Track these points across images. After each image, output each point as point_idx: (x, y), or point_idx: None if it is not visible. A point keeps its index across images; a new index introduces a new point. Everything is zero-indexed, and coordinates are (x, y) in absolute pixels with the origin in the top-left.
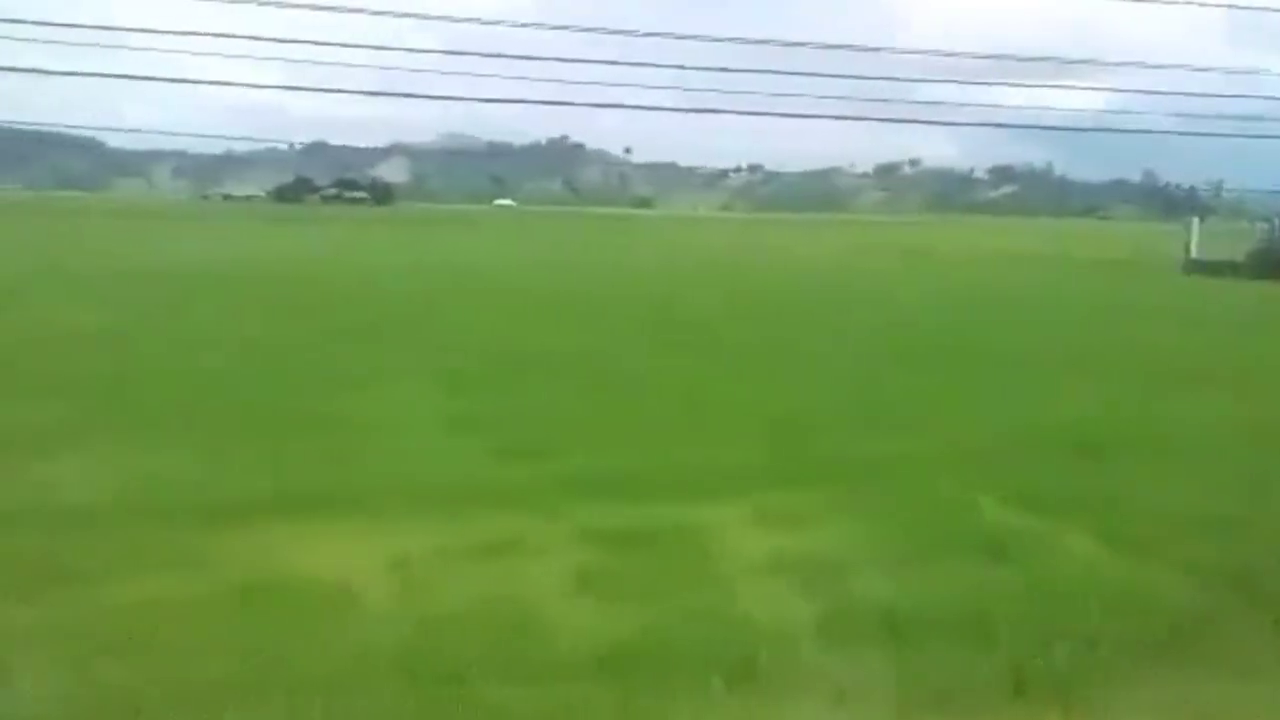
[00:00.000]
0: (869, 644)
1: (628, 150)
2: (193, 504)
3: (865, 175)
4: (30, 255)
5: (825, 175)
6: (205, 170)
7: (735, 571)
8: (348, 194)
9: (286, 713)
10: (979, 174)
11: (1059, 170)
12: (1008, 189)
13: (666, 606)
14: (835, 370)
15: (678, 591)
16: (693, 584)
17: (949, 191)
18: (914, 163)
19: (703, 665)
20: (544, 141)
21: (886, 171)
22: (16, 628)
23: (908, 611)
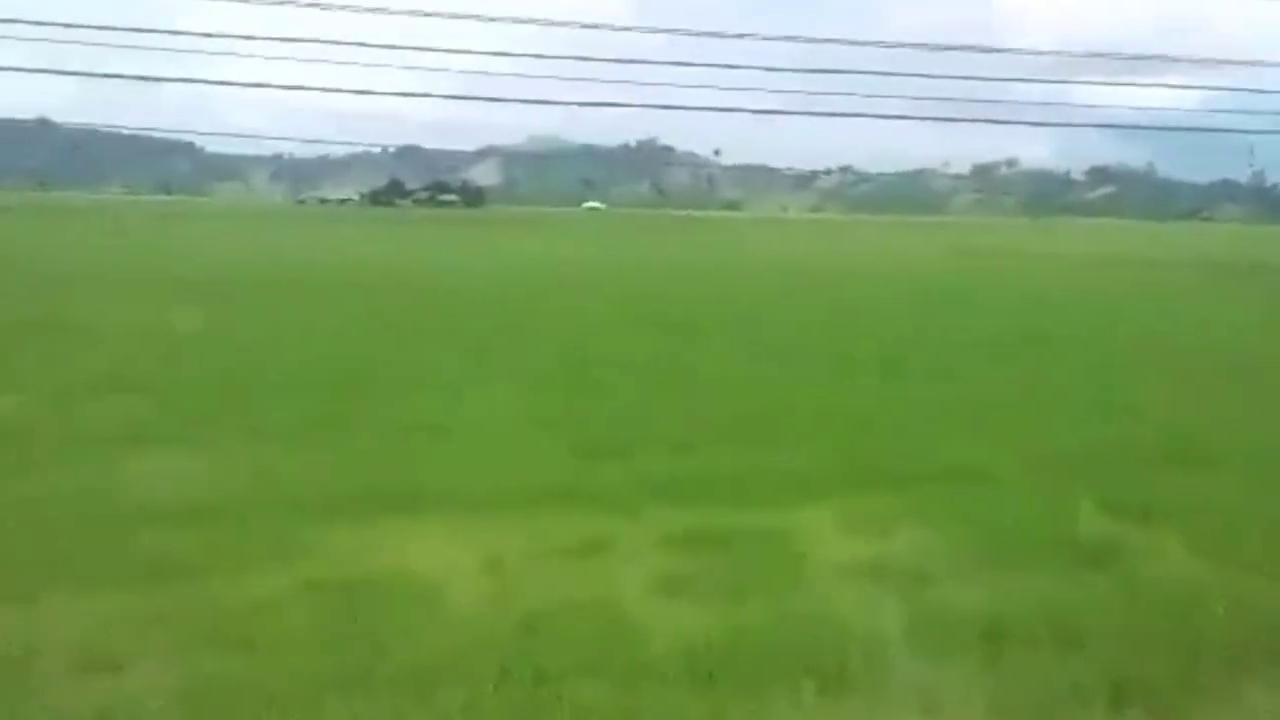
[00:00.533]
0: (960, 651)
1: (717, 152)
2: (294, 501)
3: (960, 176)
4: (132, 257)
5: (918, 176)
6: (301, 174)
7: (823, 576)
8: (439, 197)
9: (388, 707)
10: (1076, 175)
11: (1161, 171)
12: (1106, 190)
13: (755, 609)
14: (924, 374)
15: (766, 595)
16: (781, 587)
17: (1046, 193)
18: (1010, 163)
19: (794, 669)
20: (633, 144)
21: (982, 172)
22: (132, 618)
23: (999, 619)
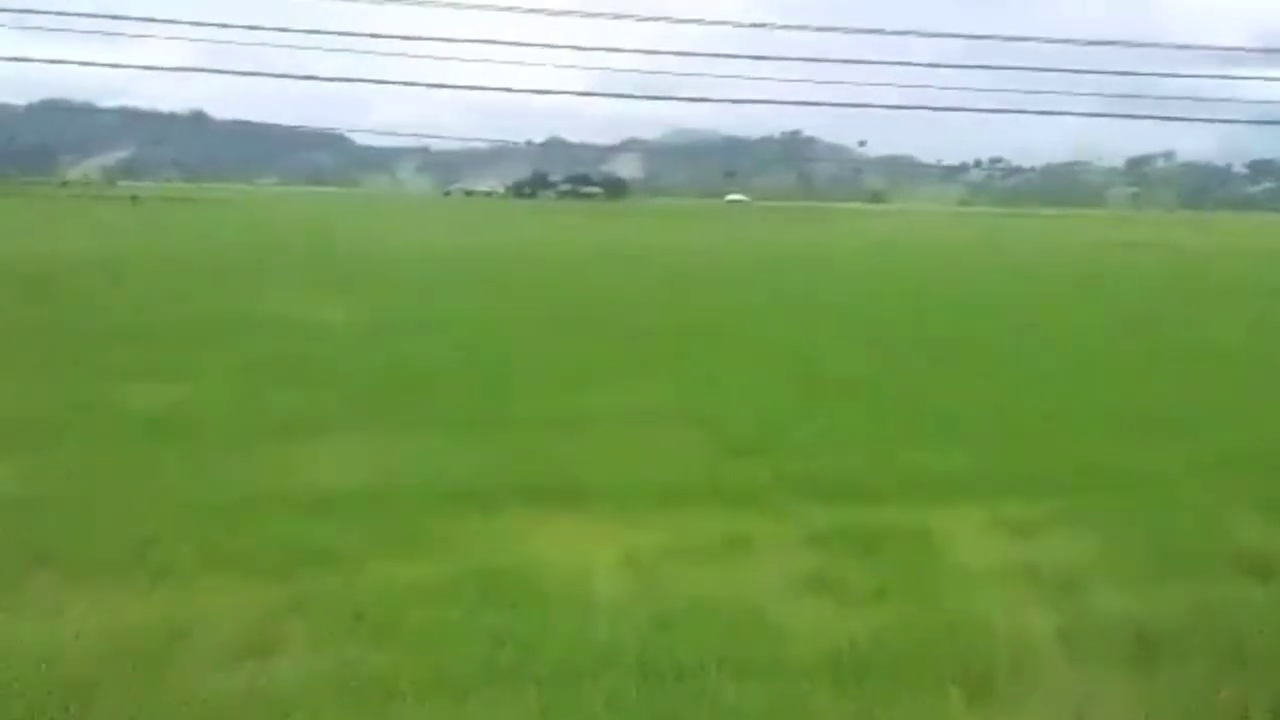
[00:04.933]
0: (1113, 661)
1: (862, 143)
2: (434, 491)
3: (1114, 169)
4: (282, 249)
5: (1071, 169)
6: (447, 166)
7: (973, 579)
8: (581, 189)
9: (533, 702)
10: (1238, 169)
11: None
12: (1268, 184)
13: (901, 611)
14: (1082, 374)
15: (912, 597)
16: (928, 590)
17: (1205, 187)
18: (1168, 156)
19: (940, 675)
20: (777, 135)
21: (1137, 165)
22: (281, 605)
23: (1156, 628)
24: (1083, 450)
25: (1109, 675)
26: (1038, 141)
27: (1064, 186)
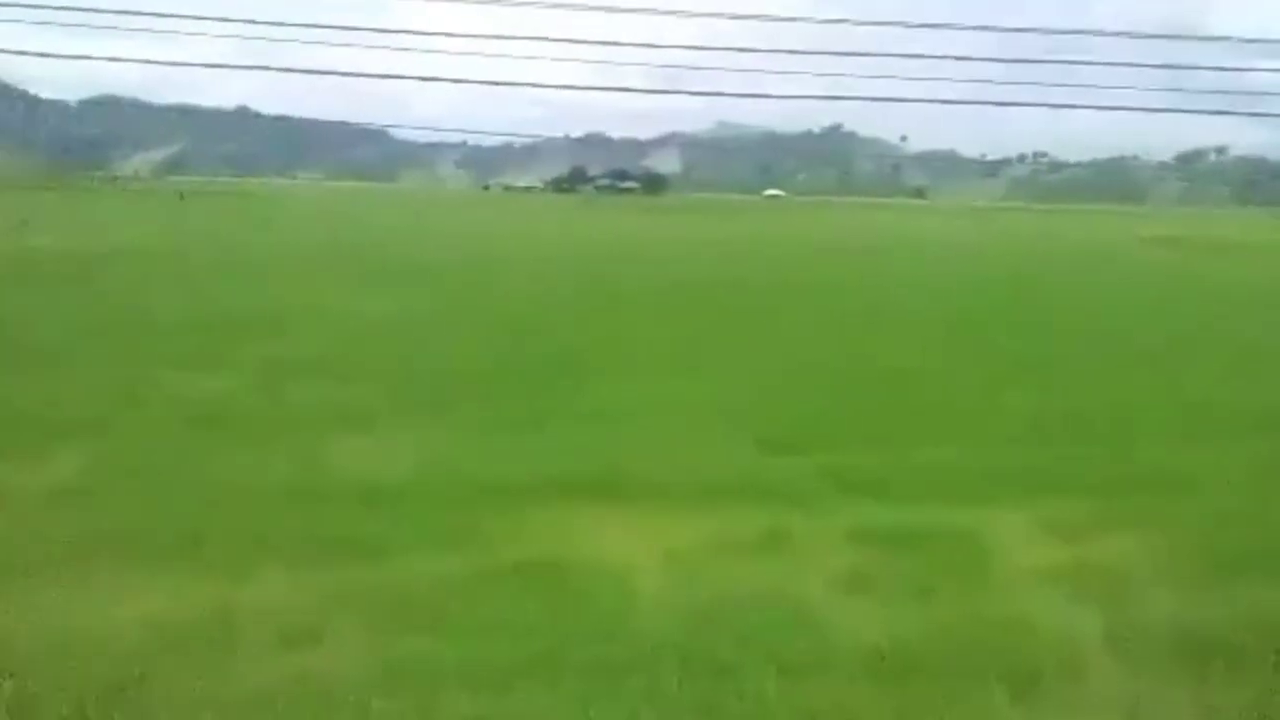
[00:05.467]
0: (1162, 662)
1: (903, 138)
2: (475, 484)
3: (1164, 164)
4: (329, 244)
5: (1118, 164)
6: (486, 160)
7: (1017, 579)
8: (620, 184)
9: (575, 694)
10: None
11: None
12: None
13: (943, 610)
14: (1123, 374)
15: (955, 595)
16: (971, 589)
17: (1258, 181)
18: (1220, 150)
19: (985, 674)
20: (816, 130)
21: (1188, 160)
22: (328, 595)
23: (1204, 631)
24: (1130, 451)
25: (1157, 676)
26: (1084, 136)
27: (1111, 182)
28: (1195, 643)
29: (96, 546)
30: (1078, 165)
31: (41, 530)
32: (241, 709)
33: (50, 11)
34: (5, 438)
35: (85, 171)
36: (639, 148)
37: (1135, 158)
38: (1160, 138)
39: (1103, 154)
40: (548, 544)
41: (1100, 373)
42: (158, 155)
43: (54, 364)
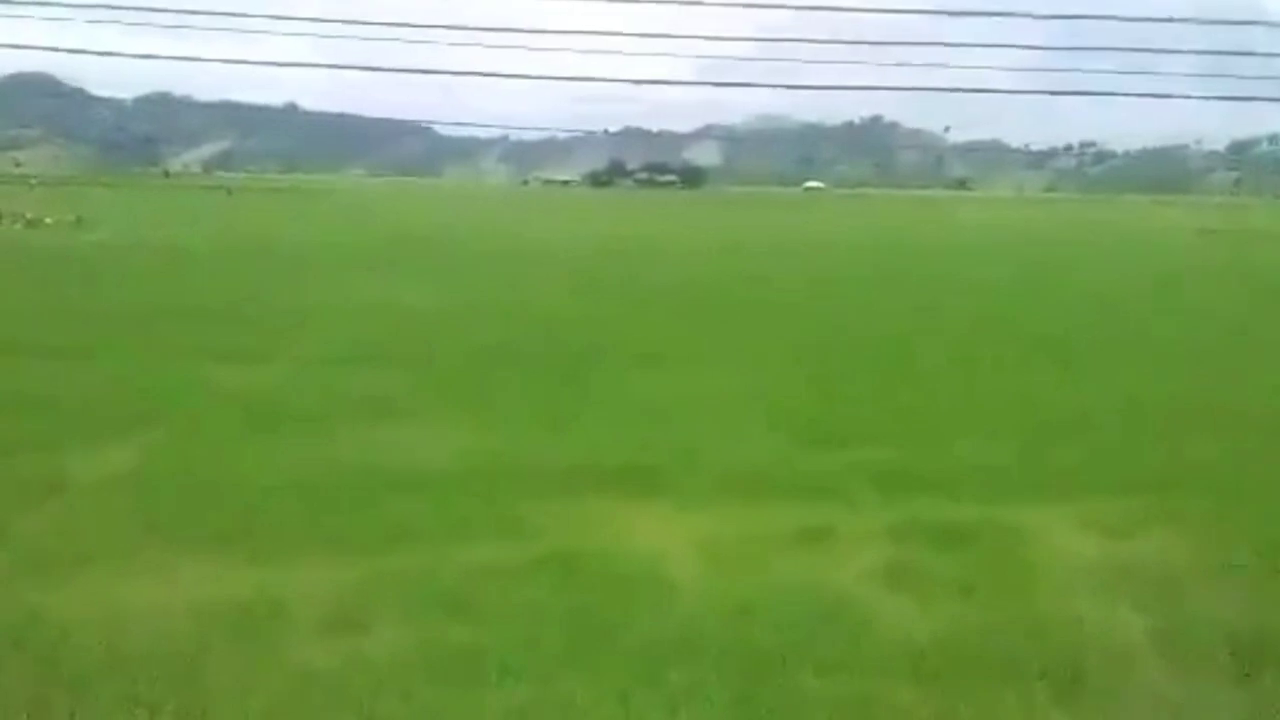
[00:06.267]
0: (1206, 664)
1: (946, 129)
2: (515, 474)
3: (1214, 153)
4: (370, 239)
5: (1167, 153)
6: (527, 154)
7: (1060, 577)
8: (658, 177)
9: (616, 686)
10: None
11: None
12: None
13: (984, 607)
14: (1172, 370)
15: (996, 593)
16: (1013, 587)
17: None
18: (1273, 139)
19: (1025, 673)
20: (857, 121)
21: (1240, 149)
22: (372, 583)
23: (1251, 631)
24: (1178, 448)
25: (1202, 678)
26: (1133, 124)
27: (1159, 171)
28: (1242, 644)
29: (149, 534)
30: (1126, 155)
31: (96, 519)
32: (288, 693)
33: (103, 10)
34: (61, 429)
35: (137, 167)
36: (680, 140)
37: (1185, 146)
38: (1211, 126)
39: (1152, 143)
40: (586, 535)
41: (1145, 368)
42: (207, 151)
43: (108, 357)
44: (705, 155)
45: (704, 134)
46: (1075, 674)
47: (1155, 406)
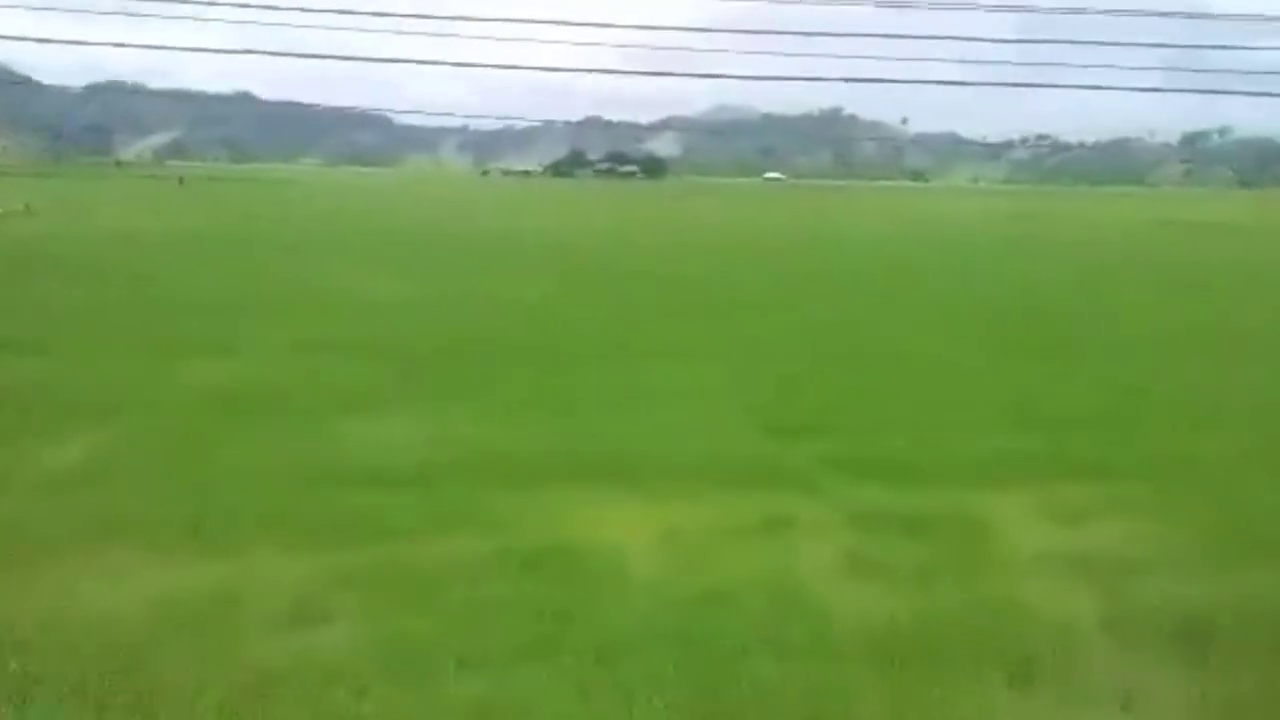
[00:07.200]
0: (1161, 649)
1: (904, 121)
2: (482, 467)
3: (1167, 145)
4: (337, 227)
5: (1120, 146)
6: (487, 145)
7: (1017, 564)
8: (619, 168)
9: (574, 676)
10: None
11: None
12: None
13: (943, 594)
14: (1127, 360)
15: (955, 580)
16: (971, 574)
17: (1263, 162)
18: (1223, 132)
19: (981, 658)
20: (816, 113)
21: (1191, 141)
22: (331, 577)
23: (1206, 617)
24: (1133, 437)
25: (1155, 662)
26: (1087, 117)
27: (1113, 164)
28: (1195, 629)
29: (106, 528)
30: (1080, 147)
31: (51, 512)
32: (243, 688)
33: None
34: (15, 421)
35: (87, 157)
36: (640, 131)
37: (1139, 139)
38: (1163, 119)
39: (1105, 135)
40: (551, 527)
41: (1102, 358)
42: (159, 140)
43: (62, 349)
44: (666, 146)
45: (664, 125)
46: (1030, 659)
47: (1116, 395)
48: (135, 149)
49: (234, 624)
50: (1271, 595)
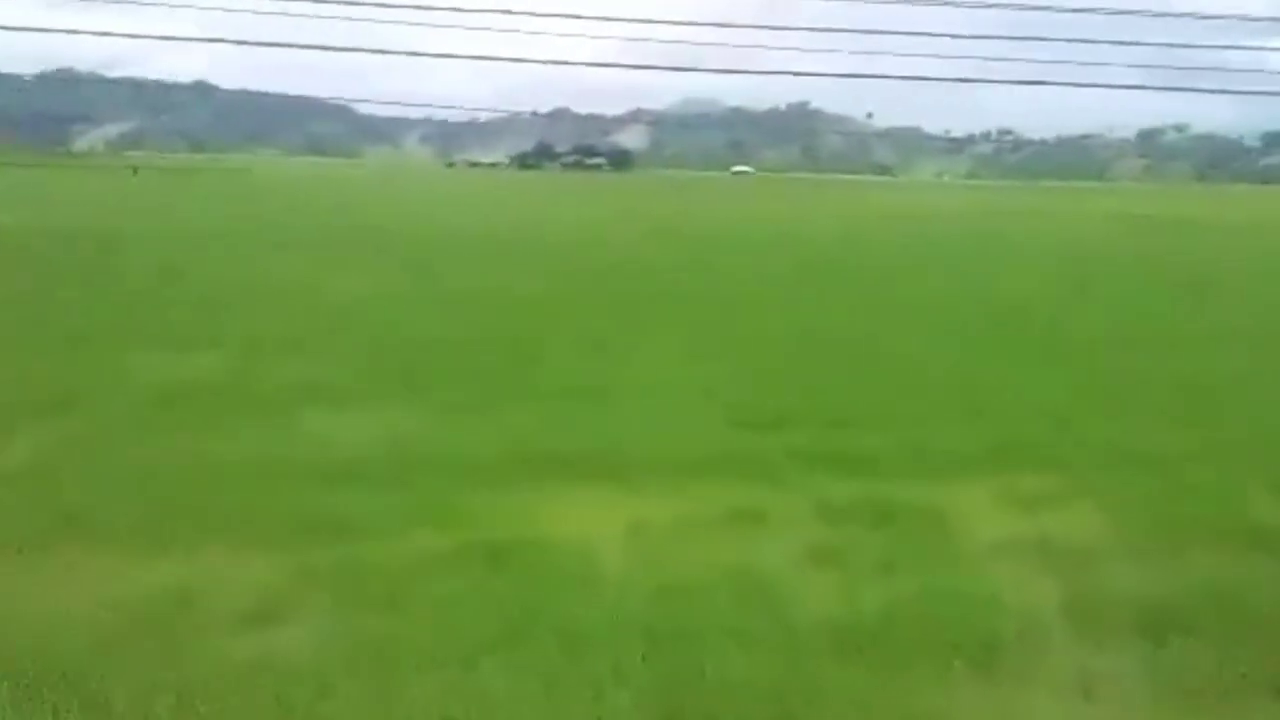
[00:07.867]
0: (1117, 635)
1: (869, 115)
2: (450, 463)
3: (1125, 141)
4: (297, 220)
5: (1081, 141)
6: (451, 136)
7: (978, 554)
8: (586, 160)
9: (540, 670)
10: (1250, 141)
11: None
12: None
13: (906, 584)
14: (1087, 352)
15: (917, 570)
16: (933, 564)
17: (1219, 159)
18: (1180, 128)
19: (944, 647)
20: (783, 107)
21: (1149, 137)
22: (289, 575)
23: (1159, 602)
24: (1092, 429)
25: (1114, 649)
26: (1049, 113)
27: (1073, 159)
28: (1152, 616)
29: (56, 528)
30: (1041, 142)
31: (1, 511)
32: (201, 689)
33: None
34: None
35: (40, 146)
36: (607, 123)
37: (1098, 135)
38: (1122, 115)
39: (1066, 131)
40: (517, 522)
41: (1066, 352)
42: (115, 130)
43: (12, 343)
44: (633, 139)
45: (632, 118)
46: (991, 647)
47: (1085, 388)
48: (90, 138)
49: (194, 622)
50: (1224, 579)
